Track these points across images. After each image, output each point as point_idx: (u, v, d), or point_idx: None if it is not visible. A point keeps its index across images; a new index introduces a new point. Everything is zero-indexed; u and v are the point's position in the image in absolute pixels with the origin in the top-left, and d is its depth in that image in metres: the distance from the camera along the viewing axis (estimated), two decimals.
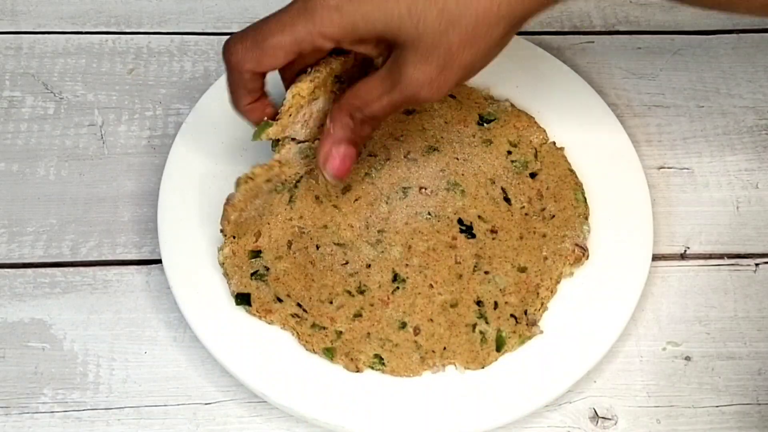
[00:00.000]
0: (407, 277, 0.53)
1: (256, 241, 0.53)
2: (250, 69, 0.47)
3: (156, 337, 0.54)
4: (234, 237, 0.53)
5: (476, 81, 0.61)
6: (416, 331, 0.51)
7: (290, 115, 0.50)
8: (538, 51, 0.63)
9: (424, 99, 0.47)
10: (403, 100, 0.47)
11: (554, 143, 0.58)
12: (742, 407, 0.52)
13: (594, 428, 0.51)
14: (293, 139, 0.52)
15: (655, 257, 0.56)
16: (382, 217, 0.54)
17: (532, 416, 0.51)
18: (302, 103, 0.50)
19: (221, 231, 0.53)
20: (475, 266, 0.53)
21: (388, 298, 0.52)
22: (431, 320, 0.51)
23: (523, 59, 0.63)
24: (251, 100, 0.49)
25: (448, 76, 0.46)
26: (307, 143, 0.53)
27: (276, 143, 0.52)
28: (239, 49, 0.47)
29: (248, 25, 0.48)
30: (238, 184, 0.50)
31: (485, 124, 0.59)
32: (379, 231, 0.54)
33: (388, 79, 0.47)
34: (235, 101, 0.50)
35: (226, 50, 0.47)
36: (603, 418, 0.52)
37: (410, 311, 0.52)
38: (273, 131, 0.50)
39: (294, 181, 0.54)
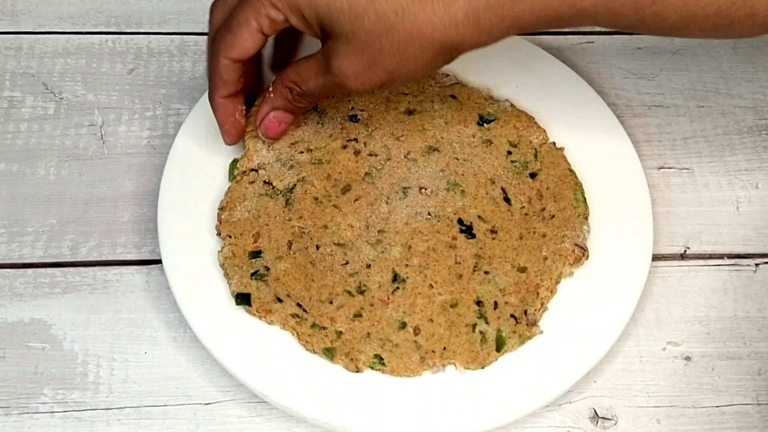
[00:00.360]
0: (407, 277, 0.53)
1: (255, 242, 0.53)
2: (224, 54, 0.51)
3: (156, 337, 0.54)
4: (230, 236, 0.53)
5: (477, 81, 0.61)
6: (416, 331, 0.51)
7: (248, 149, 0.56)
8: (538, 51, 0.63)
9: (351, 89, 0.49)
10: (333, 85, 0.50)
11: (554, 143, 0.58)
12: (742, 407, 0.52)
13: (594, 428, 0.51)
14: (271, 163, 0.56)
15: (655, 257, 0.56)
16: (382, 217, 0.54)
17: (532, 416, 0.51)
18: (253, 135, 0.56)
19: (217, 234, 0.54)
20: (475, 266, 0.53)
21: (388, 298, 0.52)
22: (431, 320, 0.51)
23: (523, 59, 0.63)
24: (226, 93, 0.53)
25: (372, 75, 0.48)
26: (287, 156, 0.56)
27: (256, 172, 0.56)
28: (218, 36, 0.51)
29: None
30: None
31: (485, 125, 0.58)
32: (379, 231, 0.54)
33: (323, 62, 0.49)
34: (211, 92, 0.53)
35: (210, 39, 0.52)
36: (603, 418, 0.52)
37: (410, 311, 0.52)
38: (242, 163, 0.56)
39: (288, 188, 0.55)
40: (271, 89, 0.53)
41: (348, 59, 0.48)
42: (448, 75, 0.61)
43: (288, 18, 0.49)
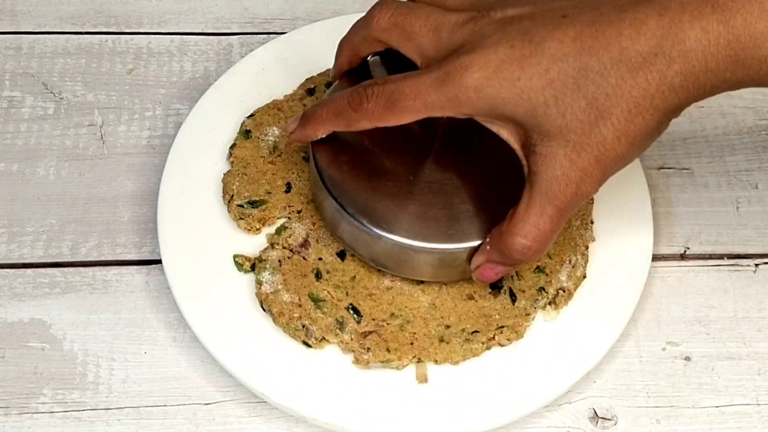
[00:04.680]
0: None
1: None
2: (369, 124, 0.47)
3: (156, 337, 0.54)
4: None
5: None
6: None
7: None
8: None
9: (583, 196, 0.43)
10: (565, 213, 0.44)
11: None
12: (742, 407, 0.52)
13: (594, 428, 0.51)
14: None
15: (655, 257, 0.56)
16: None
17: (532, 416, 0.51)
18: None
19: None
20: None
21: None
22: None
23: None
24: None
25: (604, 169, 0.43)
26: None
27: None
28: (372, 103, 0.46)
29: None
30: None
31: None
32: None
33: (538, 201, 0.44)
34: (309, 138, 0.51)
35: (364, 96, 0.46)
36: (603, 418, 0.52)
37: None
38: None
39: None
40: (488, 243, 0.48)
41: (570, 159, 0.42)
42: None
43: (474, 117, 0.44)
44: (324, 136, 0.50)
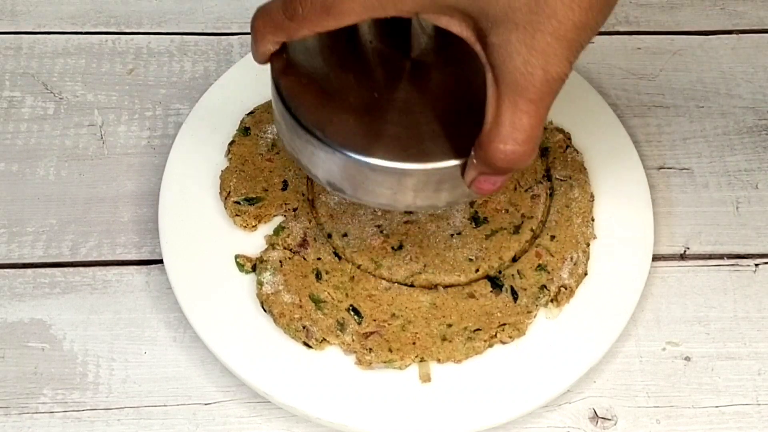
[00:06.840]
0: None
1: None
2: (309, 31, 0.42)
3: (156, 337, 0.54)
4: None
5: None
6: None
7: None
8: None
9: (555, 81, 0.39)
10: (536, 104, 0.39)
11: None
12: (742, 407, 0.52)
13: (594, 428, 0.51)
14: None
15: (655, 257, 0.57)
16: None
17: (531, 416, 0.51)
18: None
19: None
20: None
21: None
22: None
23: None
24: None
25: (568, 44, 0.38)
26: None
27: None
28: (307, 10, 0.41)
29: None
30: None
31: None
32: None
33: (503, 98, 0.39)
34: (261, 56, 0.47)
35: (297, 3, 0.42)
36: (603, 418, 0.52)
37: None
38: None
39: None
40: (473, 154, 0.42)
41: (525, 47, 0.38)
42: None
43: (419, 15, 0.40)
44: (275, 48, 0.46)
